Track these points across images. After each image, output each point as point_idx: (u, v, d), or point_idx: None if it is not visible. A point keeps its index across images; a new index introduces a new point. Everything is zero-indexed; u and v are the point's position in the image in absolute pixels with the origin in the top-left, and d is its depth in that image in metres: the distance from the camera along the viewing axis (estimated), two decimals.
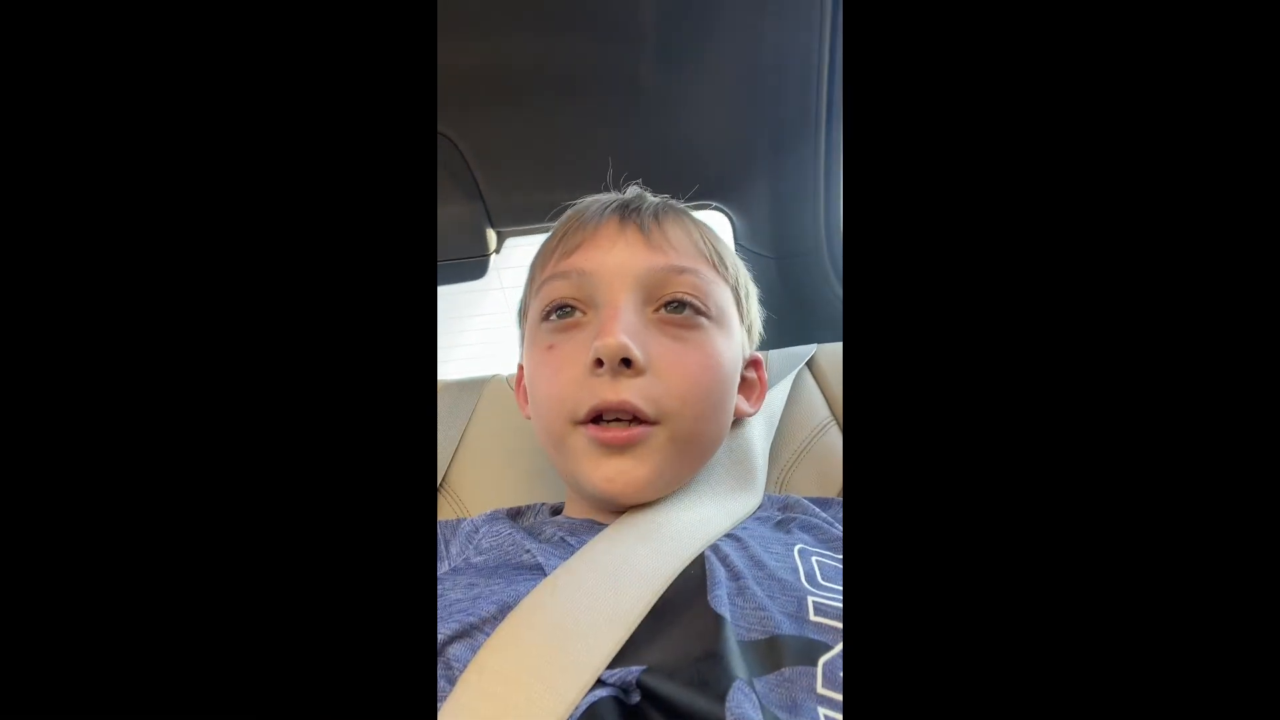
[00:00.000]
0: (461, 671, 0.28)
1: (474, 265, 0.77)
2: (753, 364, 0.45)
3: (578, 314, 0.38)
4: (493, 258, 0.77)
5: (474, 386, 0.62)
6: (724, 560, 0.33)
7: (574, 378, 0.36)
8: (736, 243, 0.82)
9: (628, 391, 0.34)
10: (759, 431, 0.46)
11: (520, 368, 0.46)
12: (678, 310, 0.37)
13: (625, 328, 0.35)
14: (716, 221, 0.80)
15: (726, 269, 0.41)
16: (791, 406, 0.53)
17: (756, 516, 0.40)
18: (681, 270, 0.37)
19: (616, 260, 0.37)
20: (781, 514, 0.40)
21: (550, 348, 0.38)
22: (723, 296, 0.39)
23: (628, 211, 0.40)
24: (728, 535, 0.36)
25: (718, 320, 0.39)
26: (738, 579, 0.31)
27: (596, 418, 0.35)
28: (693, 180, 0.72)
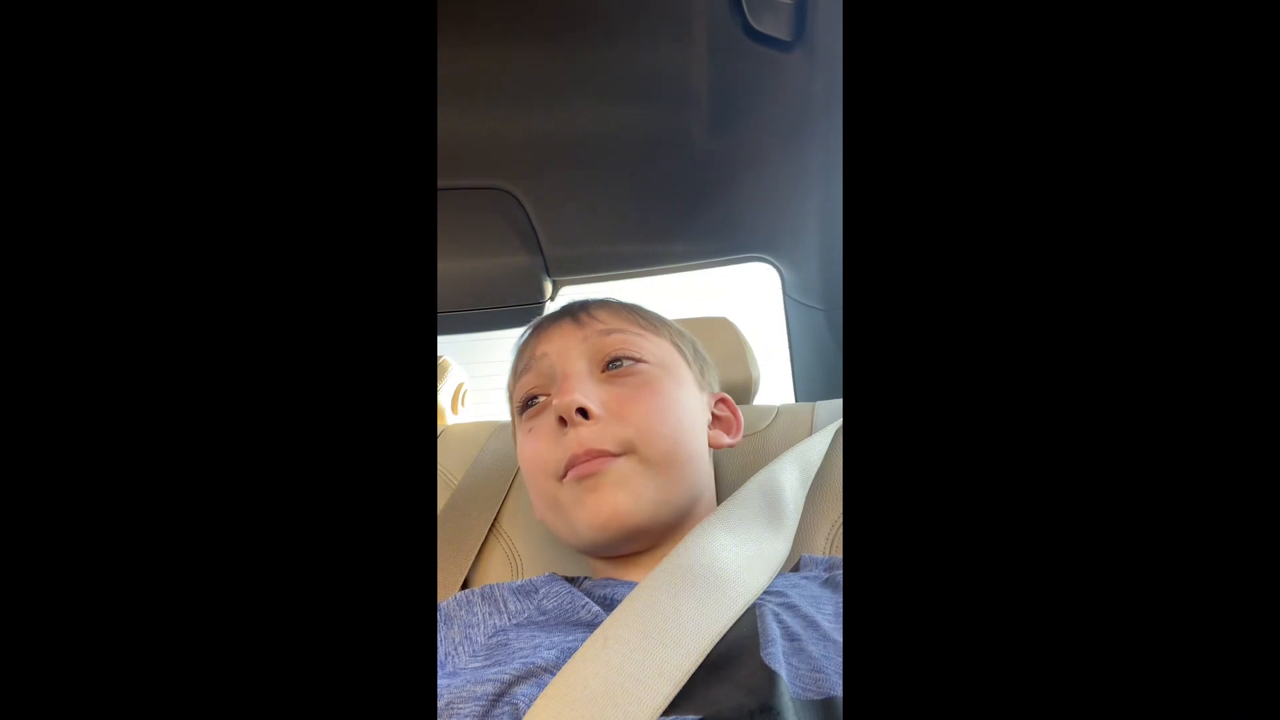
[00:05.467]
0: (526, 708, 0.29)
1: (530, 312, 0.80)
2: (720, 401, 0.50)
3: (542, 399, 0.45)
4: (548, 305, 0.80)
5: None
6: (778, 620, 0.33)
7: (548, 442, 0.41)
8: (785, 294, 0.83)
9: (587, 438, 0.39)
10: (791, 476, 0.47)
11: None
12: (618, 365, 0.44)
13: (575, 386, 0.41)
14: (763, 274, 0.81)
15: (657, 328, 0.48)
16: (838, 460, 0.53)
17: (804, 575, 0.41)
18: (610, 331, 0.45)
19: (562, 341, 0.45)
20: (827, 573, 0.41)
21: (529, 431, 0.44)
22: (658, 347, 0.46)
23: (561, 313, 0.48)
24: (779, 597, 0.36)
25: (659, 365, 0.45)
26: (793, 639, 0.32)
27: (570, 470, 0.40)
28: (742, 235, 0.74)
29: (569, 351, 0.44)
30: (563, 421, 0.40)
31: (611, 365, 0.44)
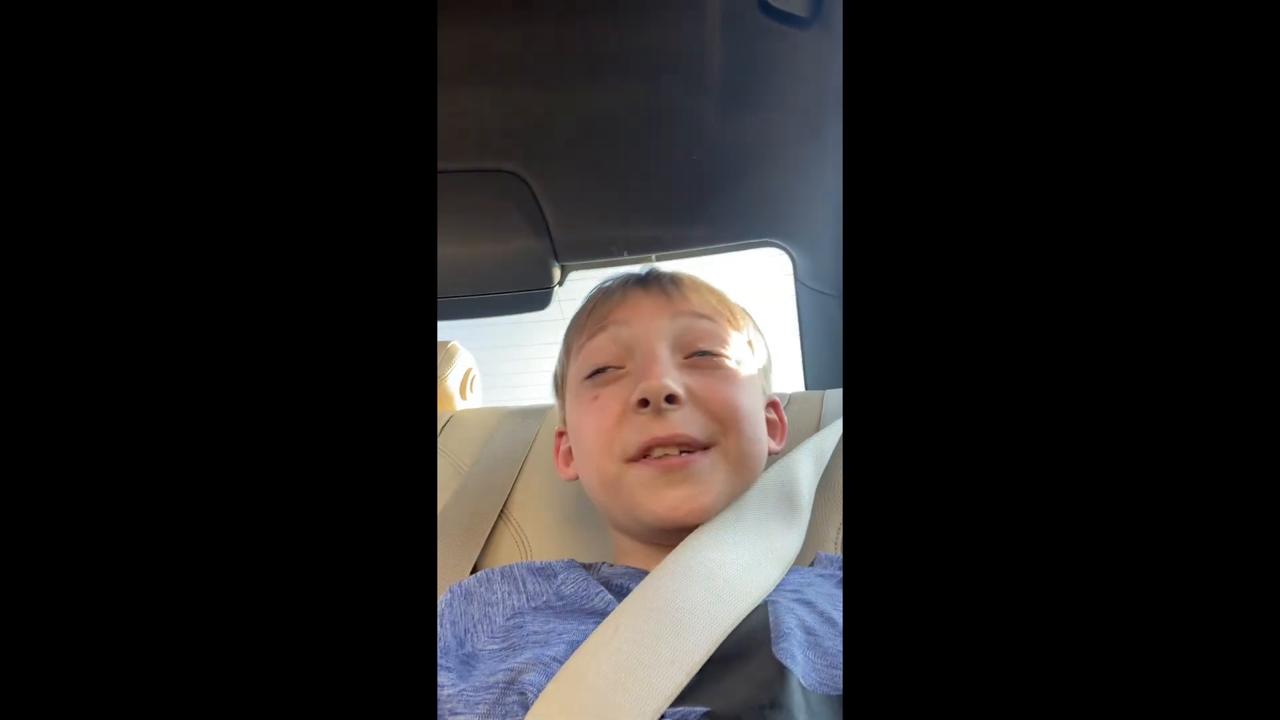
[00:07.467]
0: (535, 697, 0.29)
1: (538, 297, 0.80)
2: (770, 405, 0.48)
3: (614, 370, 0.42)
4: (556, 290, 0.80)
5: (535, 415, 0.63)
6: (793, 615, 0.33)
7: (621, 418, 0.40)
8: (798, 280, 0.82)
9: (677, 424, 0.38)
10: (807, 469, 0.47)
11: (559, 435, 0.50)
12: (703, 356, 0.42)
13: (665, 370, 0.40)
14: (777, 259, 0.80)
15: (740, 321, 0.46)
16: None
17: (820, 572, 0.41)
18: (699, 316, 0.43)
19: (648, 316, 0.43)
20: (842, 572, 0.41)
21: (595, 398, 0.42)
22: (739, 344, 0.45)
23: (648, 281, 0.46)
24: (794, 593, 0.36)
25: (740, 362, 0.44)
26: (810, 633, 0.32)
27: (646, 453, 0.39)
28: (755, 218, 0.73)
29: (655, 329, 0.42)
30: (642, 403, 0.39)
31: (696, 355, 0.42)
